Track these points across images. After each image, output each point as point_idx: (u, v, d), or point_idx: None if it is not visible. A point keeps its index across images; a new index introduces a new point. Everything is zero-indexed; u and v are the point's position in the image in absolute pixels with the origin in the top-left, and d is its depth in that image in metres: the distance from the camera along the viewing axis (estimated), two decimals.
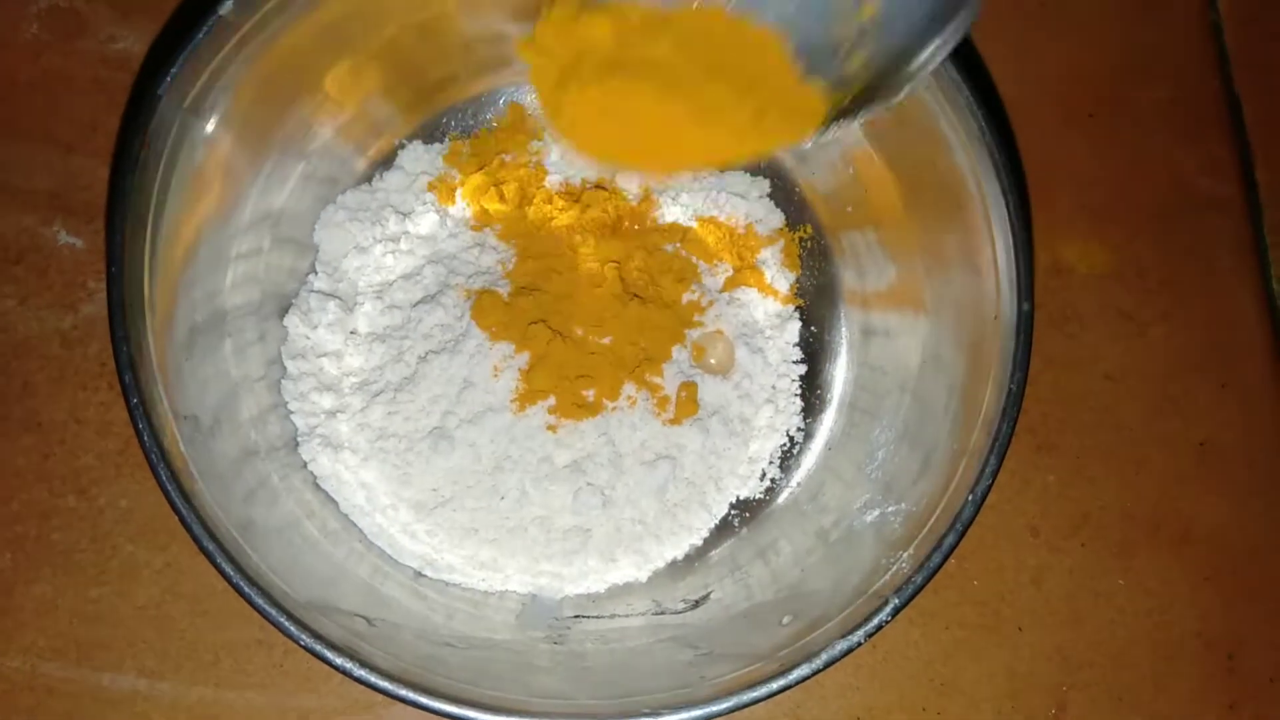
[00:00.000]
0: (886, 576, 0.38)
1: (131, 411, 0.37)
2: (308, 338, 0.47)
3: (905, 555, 0.39)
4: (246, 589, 0.36)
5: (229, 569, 0.36)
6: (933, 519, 0.39)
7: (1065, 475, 0.51)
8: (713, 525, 0.48)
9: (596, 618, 0.45)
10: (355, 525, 0.45)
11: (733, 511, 0.48)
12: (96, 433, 0.49)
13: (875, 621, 0.37)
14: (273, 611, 0.35)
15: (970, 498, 0.38)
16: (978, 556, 0.50)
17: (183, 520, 0.36)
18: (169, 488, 0.36)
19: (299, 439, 0.46)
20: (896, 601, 0.37)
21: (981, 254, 0.42)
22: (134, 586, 0.48)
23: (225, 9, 0.40)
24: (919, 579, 0.37)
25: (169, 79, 0.40)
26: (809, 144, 0.37)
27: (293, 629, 0.35)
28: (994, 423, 0.39)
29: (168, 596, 0.48)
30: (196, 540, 0.36)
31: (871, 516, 0.43)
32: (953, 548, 0.38)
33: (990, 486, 0.38)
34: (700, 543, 0.48)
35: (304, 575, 0.40)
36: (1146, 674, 0.49)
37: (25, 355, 0.50)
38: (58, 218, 0.51)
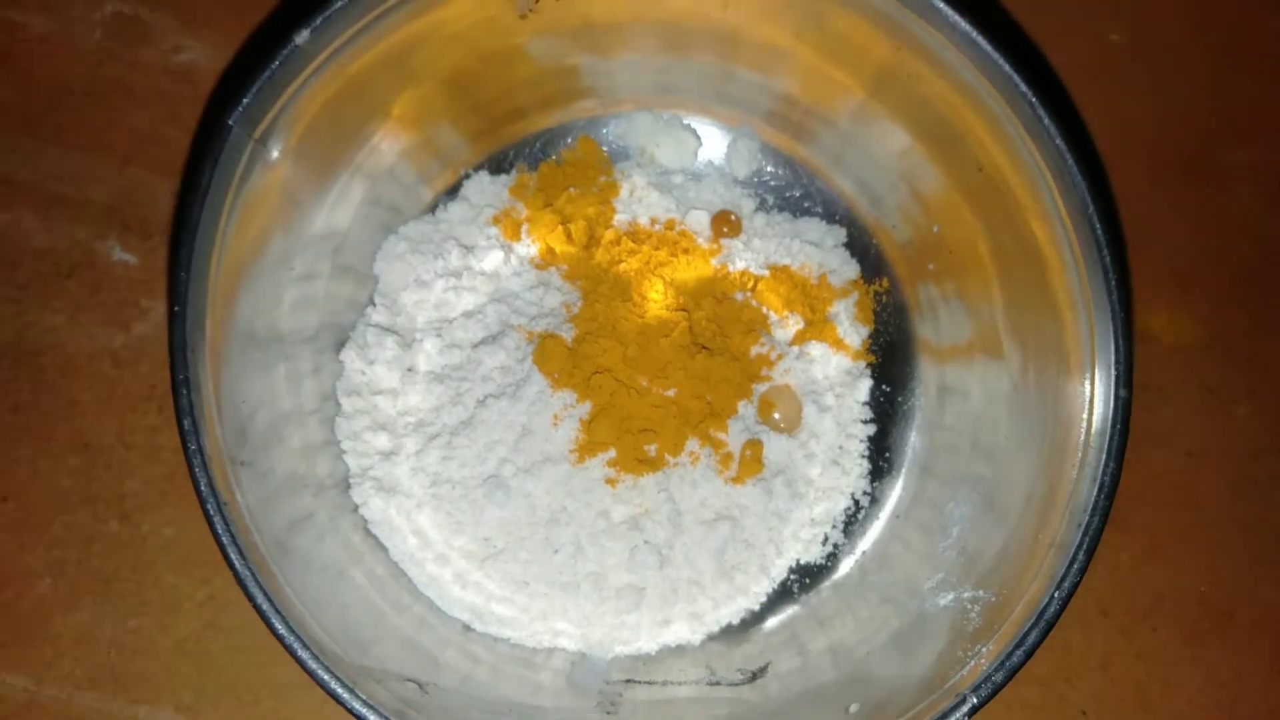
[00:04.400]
0: (964, 671, 0.37)
1: (190, 460, 0.36)
2: (364, 373, 0.46)
3: (985, 649, 0.37)
4: (300, 653, 0.34)
5: (283, 630, 0.34)
6: (1014, 612, 0.37)
7: (1139, 554, 0.49)
8: (771, 590, 0.46)
9: (648, 683, 0.43)
10: (404, 574, 0.44)
11: (792, 577, 0.47)
12: (144, 457, 0.48)
13: None
14: (326, 678, 0.34)
15: (1056, 594, 0.36)
16: None
17: (240, 581, 0.35)
18: (226, 544, 0.35)
19: (351, 480, 0.44)
20: (975, 700, 0.35)
21: (1074, 332, 0.40)
22: (174, 619, 0.47)
23: (301, 38, 0.39)
24: (999, 678, 0.36)
25: (241, 109, 0.38)
26: None
27: (344, 695, 0.34)
28: (1083, 515, 0.37)
29: (208, 631, 0.46)
30: (252, 600, 0.35)
31: (946, 600, 0.41)
32: (1036, 645, 0.36)
33: (1078, 583, 0.36)
34: (757, 608, 0.46)
35: (351, 628, 0.39)
36: None
37: (74, 374, 0.48)
38: (112, 233, 0.50)
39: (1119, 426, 0.37)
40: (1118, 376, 0.38)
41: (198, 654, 0.46)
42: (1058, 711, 0.48)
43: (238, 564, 0.34)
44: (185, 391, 0.36)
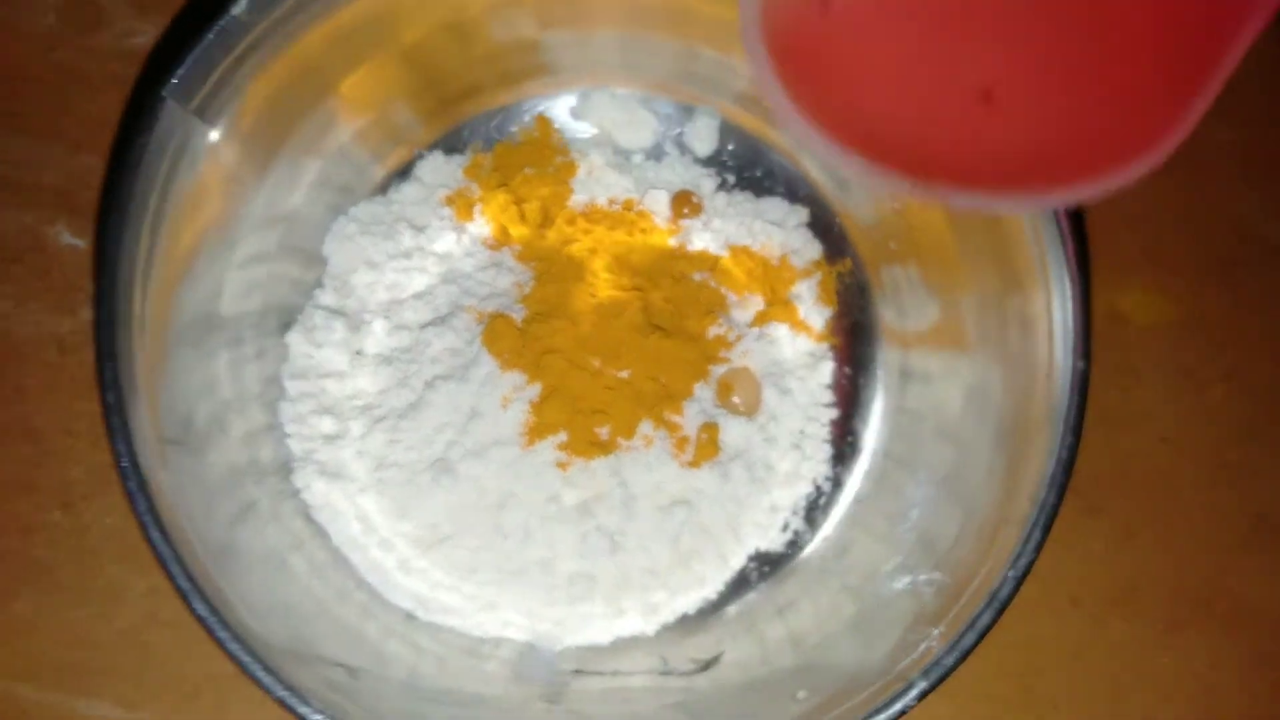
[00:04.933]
0: (915, 655, 0.35)
1: (111, 432, 0.34)
2: (310, 356, 0.45)
3: (936, 632, 0.35)
4: (220, 633, 0.33)
5: (203, 610, 0.33)
6: (967, 594, 0.36)
7: (1112, 542, 0.48)
8: (729, 578, 0.45)
9: (598, 674, 0.42)
10: (347, 559, 0.43)
11: (751, 564, 0.45)
12: (89, 444, 0.47)
13: (898, 706, 0.34)
14: (247, 659, 0.33)
15: (1010, 574, 0.35)
16: (1014, 626, 0.45)
17: (161, 560, 0.33)
18: (147, 523, 0.33)
19: (294, 464, 0.43)
20: (924, 685, 0.34)
21: (1034, 302, 0.39)
22: (116, 610, 0.45)
23: (239, 9, 0.38)
24: (949, 660, 0.34)
25: (174, 80, 0.37)
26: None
27: (266, 679, 0.33)
28: (1040, 491, 0.36)
29: (150, 623, 0.45)
30: (173, 579, 0.33)
31: (902, 584, 0.39)
32: (988, 628, 0.34)
33: (1033, 563, 0.35)
34: (715, 596, 0.45)
35: (285, 614, 0.38)
36: None
37: (19, 359, 0.48)
38: (61, 217, 0.49)
39: (1076, 398, 0.36)
40: (1075, 347, 0.36)
41: (139, 646, 0.45)
42: (1028, 704, 0.46)
43: (158, 541, 0.33)
44: (111, 364, 0.35)
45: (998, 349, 0.41)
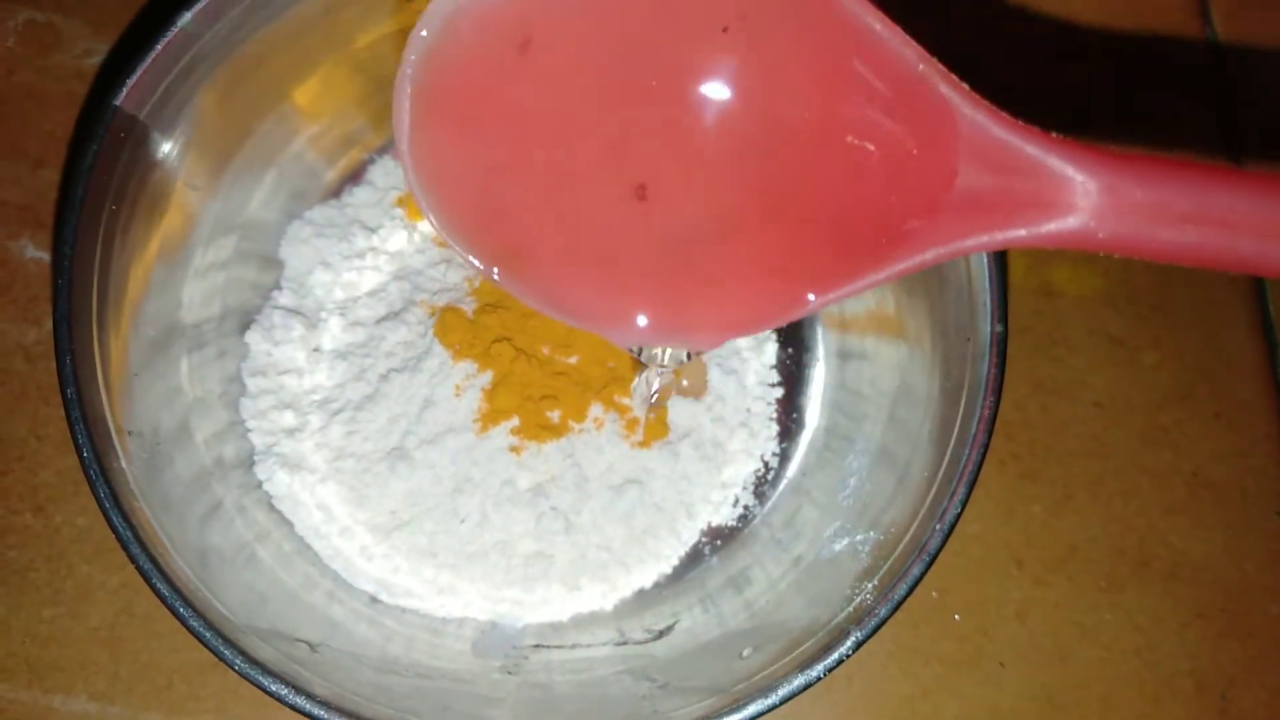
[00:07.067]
0: (850, 608, 0.37)
1: (71, 424, 0.36)
2: (269, 354, 0.46)
3: (870, 586, 0.37)
4: (181, 609, 0.34)
5: (164, 588, 0.34)
6: (899, 548, 0.37)
7: (1051, 505, 0.49)
8: (683, 553, 0.46)
9: (557, 647, 0.43)
10: (310, 547, 0.44)
11: (703, 539, 0.47)
12: (56, 449, 0.48)
13: (835, 655, 0.35)
14: (207, 634, 0.34)
15: (937, 527, 0.36)
16: (960, 589, 0.48)
17: (119, 538, 0.35)
18: (106, 503, 0.35)
19: (255, 458, 0.45)
20: (858, 635, 0.35)
21: (956, 275, 0.40)
22: (88, 607, 0.47)
23: (185, 20, 0.40)
24: (883, 611, 0.36)
25: (124, 89, 0.39)
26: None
27: (226, 652, 0.34)
28: (964, 448, 0.37)
29: (122, 618, 0.46)
30: (135, 562, 0.35)
31: (841, 545, 0.41)
32: (918, 579, 0.36)
33: (959, 516, 0.36)
34: (670, 570, 0.46)
35: (254, 601, 0.39)
36: (1134, 715, 0.47)
37: None
38: (25, 232, 0.50)
39: (996, 359, 0.38)
40: (993, 313, 0.38)
41: (111, 641, 0.46)
42: (976, 664, 0.48)
43: (119, 526, 0.35)
44: (69, 358, 0.36)
45: (928, 324, 0.43)
